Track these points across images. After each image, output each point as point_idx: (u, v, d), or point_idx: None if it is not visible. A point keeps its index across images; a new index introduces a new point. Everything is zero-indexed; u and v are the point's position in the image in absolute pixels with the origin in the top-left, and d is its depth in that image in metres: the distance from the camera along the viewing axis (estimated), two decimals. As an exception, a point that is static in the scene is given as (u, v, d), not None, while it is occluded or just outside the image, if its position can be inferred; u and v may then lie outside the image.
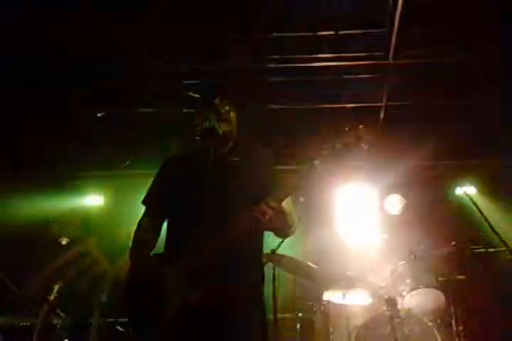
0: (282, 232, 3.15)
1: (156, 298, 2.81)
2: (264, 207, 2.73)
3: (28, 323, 5.77)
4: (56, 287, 5.46)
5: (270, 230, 3.02)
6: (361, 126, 2.72)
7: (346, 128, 2.72)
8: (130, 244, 3.17)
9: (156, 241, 3.21)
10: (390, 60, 6.39)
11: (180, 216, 3.04)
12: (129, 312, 2.96)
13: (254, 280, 3.04)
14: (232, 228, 2.79)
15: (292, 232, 3.17)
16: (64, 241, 8.10)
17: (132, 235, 3.20)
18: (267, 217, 2.74)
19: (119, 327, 6.10)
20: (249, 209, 2.77)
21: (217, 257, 2.77)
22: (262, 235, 3.11)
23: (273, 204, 2.74)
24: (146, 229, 3.20)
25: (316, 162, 2.70)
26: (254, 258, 3.09)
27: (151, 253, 3.13)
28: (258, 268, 3.12)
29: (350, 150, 2.68)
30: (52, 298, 5.38)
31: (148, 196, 3.30)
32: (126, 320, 2.90)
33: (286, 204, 2.93)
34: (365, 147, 2.71)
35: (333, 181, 7.69)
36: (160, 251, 3.11)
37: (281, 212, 2.85)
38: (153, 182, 3.33)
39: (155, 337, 2.83)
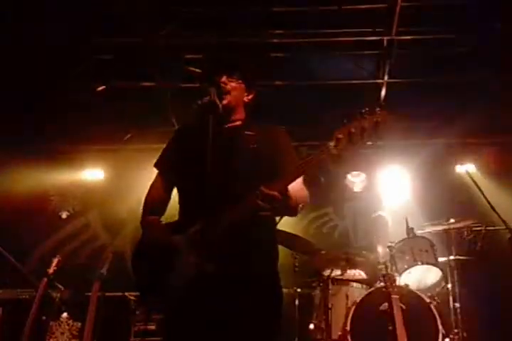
0: (283, 216, 3.10)
1: (166, 267, 2.81)
2: (262, 195, 2.67)
3: (27, 296, 5.81)
4: (55, 260, 5.47)
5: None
6: (378, 110, 2.64)
7: (363, 111, 2.65)
8: (141, 210, 3.14)
9: (166, 205, 3.19)
10: (392, 36, 6.34)
11: (192, 186, 2.99)
12: (138, 280, 2.97)
13: (267, 254, 3.02)
14: (241, 204, 2.76)
15: (295, 215, 3.08)
16: (64, 215, 8.14)
17: (143, 200, 3.18)
18: (263, 205, 2.67)
19: (127, 295, 6.16)
20: (253, 192, 2.70)
21: (230, 230, 2.76)
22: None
23: (272, 192, 2.67)
24: (157, 193, 3.17)
25: (331, 145, 2.64)
26: (268, 233, 3.06)
27: (164, 221, 3.11)
28: (271, 242, 3.09)
29: (367, 135, 2.62)
30: (51, 270, 5.39)
31: (160, 160, 3.27)
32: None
33: (296, 185, 2.84)
34: (383, 132, 2.65)
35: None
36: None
37: (283, 200, 2.74)
38: (166, 148, 3.29)
39: (165, 306, 2.85)
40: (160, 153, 3.29)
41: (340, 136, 2.62)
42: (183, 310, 2.79)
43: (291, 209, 2.96)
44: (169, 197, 3.20)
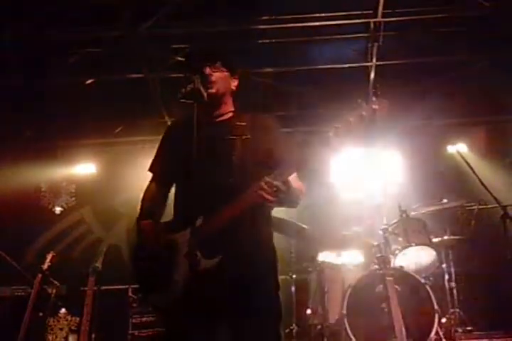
0: (284, 206, 3.07)
1: (165, 265, 2.81)
2: (267, 186, 2.67)
3: (23, 293, 5.82)
4: (49, 256, 5.48)
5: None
6: (375, 99, 2.65)
7: (359, 101, 2.66)
8: (138, 213, 3.12)
9: (163, 208, 3.17)
10: (379, 18, 6.31)
11: (186, 183, 2.96)
12: (139, 279, 2.98)
13: (265, 247, 3.01)
14: (239, 198, 2.76)
15: (294, 206, 3.07)
16: (57, 211, 8.14)
17: (139, 203, 3.16)
18: (268, 196, 2.67)
19: (123, 287, 6.18)
20: (252, 186, 2.71)
21: (227, 224, 2.76)
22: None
23: (276, 183, 2.68)
24: (153, 196, 3.16)
25: (331, 135, 2.66)
26: (266, 226, 3.03)
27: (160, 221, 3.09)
28: (270, 235, 3.08)
29: (366, 123, 2.63)
30: (45, 266, 5.40)
31: (153, 163, 3.24)
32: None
33: (293, 177, 2.85)
34: (381, 118, 2.67)
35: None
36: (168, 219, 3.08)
37: (284, 191, 2.74)
38: (158, 149, 3.26)
39: (166, 305, 2.85)
40: (153, 156, 3.26)
41: (338, 125, 2.65)
42: (184, 306, 2.78)
43: (292, 200, 2.93)
44: (166, 201, 3.17)
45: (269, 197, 2.67)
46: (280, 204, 2.85)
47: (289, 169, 2.75)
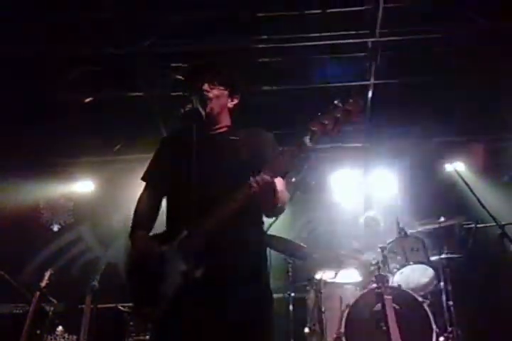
0: (269, 209, 3.07)
1: (158, 278, 2.82)
2: (257, 179, 2.73)
3: (21, 310, 5.81)
4: (47, 273, 5.48)
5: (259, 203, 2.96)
6: (351, 100, 2.69)
7: (335, 102, 2.69)
8: (130, 225, 3.14)
9: (155, 218, 3.19)
10: (377, 38, 6.36)
11: (179, 194, 3.02)
12: (132, 292, 2.99)
13: (254, 257, 3.03)
14: (229, 206, 2.79)
15: (280, 212, 3.12)
16: (56, 228, 8.14)
17: (132, 214, 3.18)
18: (256, 187, 2.74)
19: (121, 308, 6.15)
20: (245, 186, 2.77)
21: (216, 235, 2.78)
22: (260, 211, 3.09)
23: (264, 177, 2.74)
24: (145, 207, 3.17)
25: (306, 139, 2.68)
26: (254, 236, 3.07)
27: (153, 232, 3.11)
28: (259, 245, 3.10)
29: (340, 125, 2.66)
30: (43, 284, 5.40)
31: (147, 172, 3.27)
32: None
33: (278, 182, 2.89)
34: (355, 121, 2.69)
35: (325, 164, 7.77)
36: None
37: (271, 186, 2.81)
38: (152, 160, 3.30)
39: (157, 316, 2.85)
40: (147, 166, 3.29)
41: (314, 128, 2.68)
42: (174, 318, 2.79)
43: (273, 203, 2.95)
44: (158, 210, 3.21)
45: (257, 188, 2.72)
46: (263, 203, 2.90)
47: (271, 168, 2.78)
